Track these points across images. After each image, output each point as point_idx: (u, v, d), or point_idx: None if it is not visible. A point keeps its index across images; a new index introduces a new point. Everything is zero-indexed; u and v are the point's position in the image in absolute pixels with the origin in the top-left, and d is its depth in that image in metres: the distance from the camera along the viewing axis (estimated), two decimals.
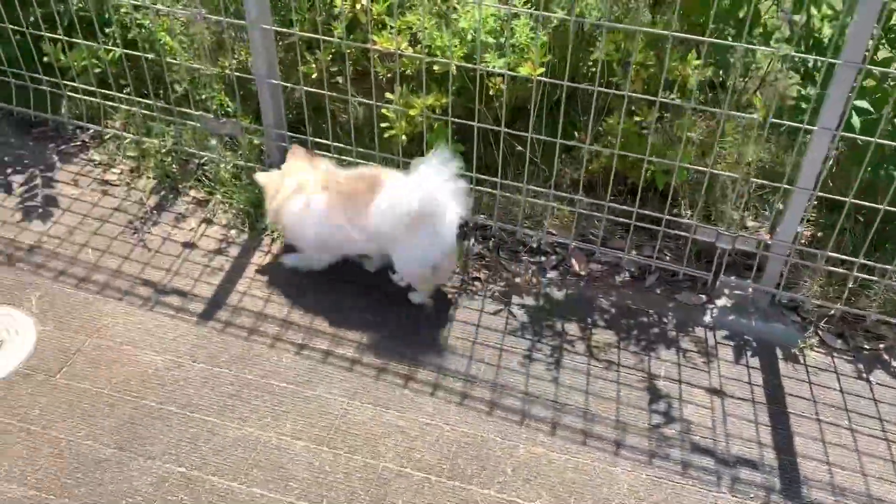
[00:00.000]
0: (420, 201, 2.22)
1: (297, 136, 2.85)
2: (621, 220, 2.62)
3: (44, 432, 2.15)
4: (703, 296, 2.62)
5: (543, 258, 2.74)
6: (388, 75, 2.72)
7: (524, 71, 2.34)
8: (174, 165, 3.03)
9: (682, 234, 2.57)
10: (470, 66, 2.44)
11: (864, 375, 2.40)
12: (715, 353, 2.46)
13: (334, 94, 2.69)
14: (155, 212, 2.89)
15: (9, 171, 3.08)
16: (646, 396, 2.31)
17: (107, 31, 3.02)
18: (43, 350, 2.38)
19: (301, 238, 2.56)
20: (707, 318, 2.56)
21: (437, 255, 2.36)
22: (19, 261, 2.67)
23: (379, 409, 2.24)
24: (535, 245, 2.77)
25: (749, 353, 2.46)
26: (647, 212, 2.54)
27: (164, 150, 3.03)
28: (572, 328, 2.51)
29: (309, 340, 2.43)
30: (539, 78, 2.33)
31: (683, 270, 2.60)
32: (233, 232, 2.80)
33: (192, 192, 2.95)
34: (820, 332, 2.51)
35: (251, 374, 2.32)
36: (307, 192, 2.46)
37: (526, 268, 2.71)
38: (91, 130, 3.20)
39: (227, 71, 2.80)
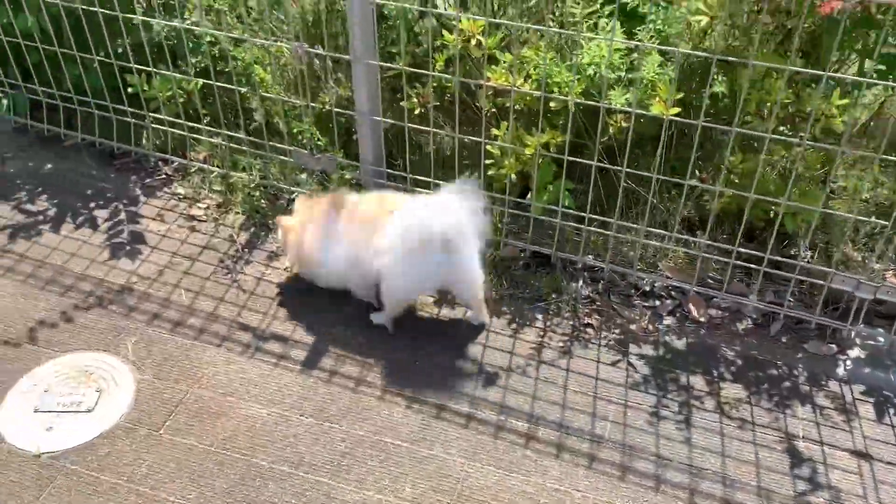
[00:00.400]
0: (439, 226, 2.16)
1: (395, 172, 2.73)
2: (747, 264, 2.46)
3: (153, 493, 2.04)
4: (834, 345, 2.46)
5: (658, 302, 2.59)
6: (493, 111, 2.60)
7: (656, 109, 2.19)
8: (263, 200, 2.93)
9: (817, 282, 2.40)
10: (592, 102, 2.30)
11: None
12: (854, 410, 2.29)
13: (439, 131, 2.57)
14: (246, 250, 2.78)
15: (92, 204, 3.00)
16: (786, 459, 2.15)
17: (192, 61, 2.93)
18: (143, 401, 2.27)
19: (321, 265, 2.44)
20: (840, 371, 2.39)
21: (428, 286, 2.35)
22: (111, 303, 2.57)
23: (502, 473, 2.10)
24: (647, 288, 2.62)
25: (892, 412, 2.28)
26: (780, 258, 2.38)
27: (252, 185, 2.93)
28: (698, 381, 2.35)
29: (419, 393, 2.30)
30: (672, 118, 2.18)
31: (816, 320, 2.43)
32: None
33: None
34: None
35: (362, 430, 2.20)
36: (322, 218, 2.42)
37: (641, 313, 2.56)
38: (175, 163, 3.11)
39: (326, 106, 2.68)
